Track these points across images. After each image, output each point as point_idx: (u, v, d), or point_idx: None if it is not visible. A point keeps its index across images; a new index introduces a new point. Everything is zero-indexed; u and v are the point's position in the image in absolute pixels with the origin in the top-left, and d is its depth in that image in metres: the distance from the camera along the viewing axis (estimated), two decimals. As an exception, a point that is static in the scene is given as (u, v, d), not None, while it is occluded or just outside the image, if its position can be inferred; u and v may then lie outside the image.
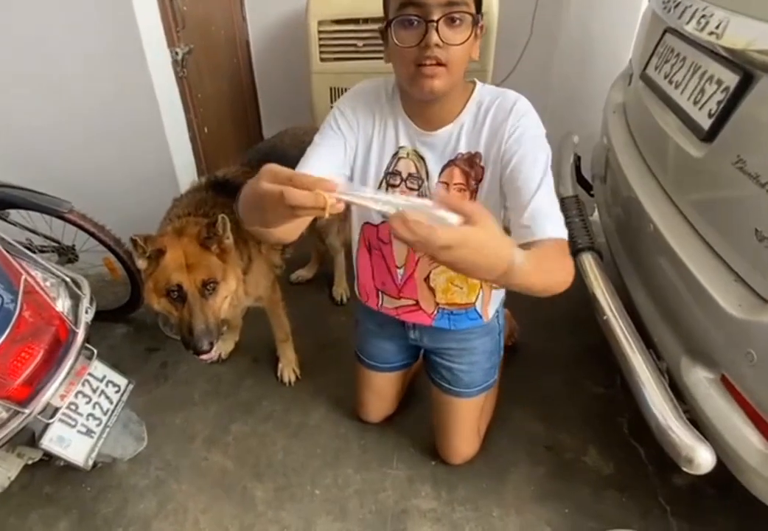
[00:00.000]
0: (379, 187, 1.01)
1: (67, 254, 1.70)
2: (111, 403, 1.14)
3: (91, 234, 1.58)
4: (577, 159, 1.79)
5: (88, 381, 1.10)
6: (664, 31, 1.40)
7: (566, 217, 1.48)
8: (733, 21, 1.03)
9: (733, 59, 1.02)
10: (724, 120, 1.01)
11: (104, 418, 1.13)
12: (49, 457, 1.11)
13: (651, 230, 1.17)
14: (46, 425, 1.02)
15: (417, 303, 1.15)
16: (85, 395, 1.08)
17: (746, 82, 0.97)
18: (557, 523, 1.22)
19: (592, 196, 1.79)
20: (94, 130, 1.76)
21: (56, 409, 1.03)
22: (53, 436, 1.03)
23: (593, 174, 1.78)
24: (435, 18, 0.80)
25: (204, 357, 1.19)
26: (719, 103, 1.04)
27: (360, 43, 2.10)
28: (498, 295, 1.20)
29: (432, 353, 1.28)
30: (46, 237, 1.67)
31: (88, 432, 1.09)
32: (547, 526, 1.22)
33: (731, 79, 1.01)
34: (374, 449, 1.42)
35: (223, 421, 1.52)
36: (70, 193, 1.58)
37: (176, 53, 1.83)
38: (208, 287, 1.20)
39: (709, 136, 1.05)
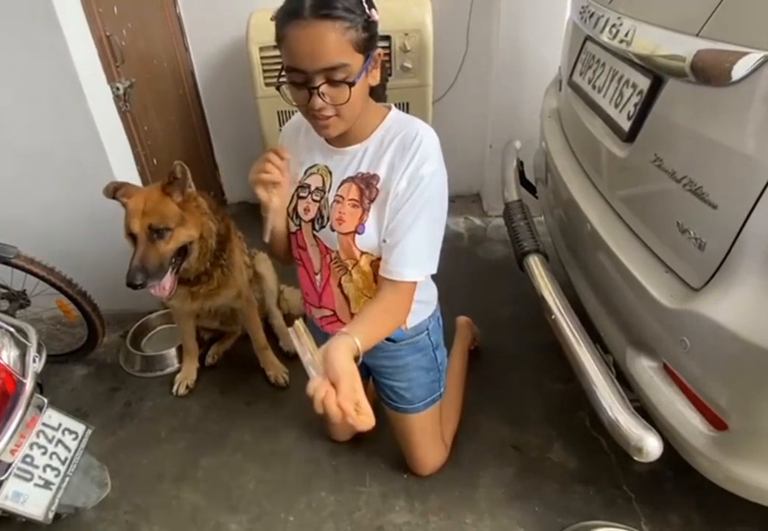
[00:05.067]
0: (291, 199, 1.09)
1: (18, 300, 1.65)
2: (69, 451, 1.11)
3: (41, 277, 1.55)
4: (520, 164, 1.85)
5: (42, 431, 1.06)
6: (585, 40, 1.48)
7: (511, 221, 1.54)
8: (639, 29, 1.10)
9: (644, 64, 1.08)
10: (641, 121, 1.07)
11: (63, 468, 1.10)
12: (8, 514, 1.07)
13: (588, 229, 1.22)
14: (0, 482, 0.98)
15: (335, 313, 1.16)
16: (40, 446, 1.05)
17: (657, 85, 1.03)
18: (529, 522, 1.24)
19: (537, 198, 1.85)
20: (35, 170, 1.73)
21: (9, 465, 1.00)
22: (8, 492, 0.99)
23: (536, 177, 1.85)
24: (316, 85, 0.85)
25: (156, 292, 1.35)
26: (636, 105, 1.10)
27: (303, 66, 2.14)
28: (419, 308, 1.16)
29: (373, 371, 1.28)
30: (-7, 284, 1.63)
31: (47, 484, 1.05)
32: (519, 527, 1.23)
33: (644, 82, 1.07)
34: (346, 469, 1.41)
35: (191, 456, 1.49)
36: (16, 236, 1.55)
37: (117, 88, 1.83)
38: (158, 232, 1.31)
39: (629, 137, 1.10)
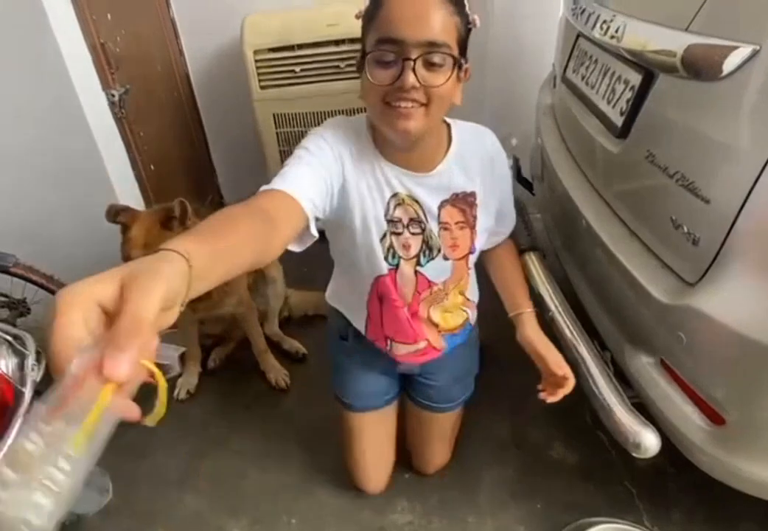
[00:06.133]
0: (383, 237, 0.94)
1: (18, 308, 1.66)
2: (69, 457, 1.11)
3: (40, 285, 1.55)
4: (516, 160, 1.85)
5: (42, 437, 1.07)
6: (577, 36, 1.47)
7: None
8: (630, 25, 1.10)
9: (635, 60, 1.08)
10: (634, 117, 1.07)
11: (63, 474, 1.10)
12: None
13: (584, 225, 1.22)
14: (0, 489, 0.98)
15: (428, 342, 1.10)
16: (40, 452, 1.05)
17: (648, 80, 1.03)
18: (531, 521, 1.24)
19: (534, 195, 1.84)
20: (32, 178, 1.74)
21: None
22: (9, 498, 0.99)
23: (532, 174, 1.85)
24: (413, 57, 0.75)
25: None
26: (628, 101, 1.09)
27: (297, 68, 2.14)
28: (474, 294, 1.16)
29: (418, 376, 1.23)
30: (-7, 292, 1.63)
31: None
32: (520, 526, 1.24)
33: (636, 78, 1.07)
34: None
35: (193, 460, 1.49)
36: (14, 244, 1.55)
37: (112, 95, 1.83)
38: None
39: (622, 133, 1.10)
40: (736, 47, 0.79)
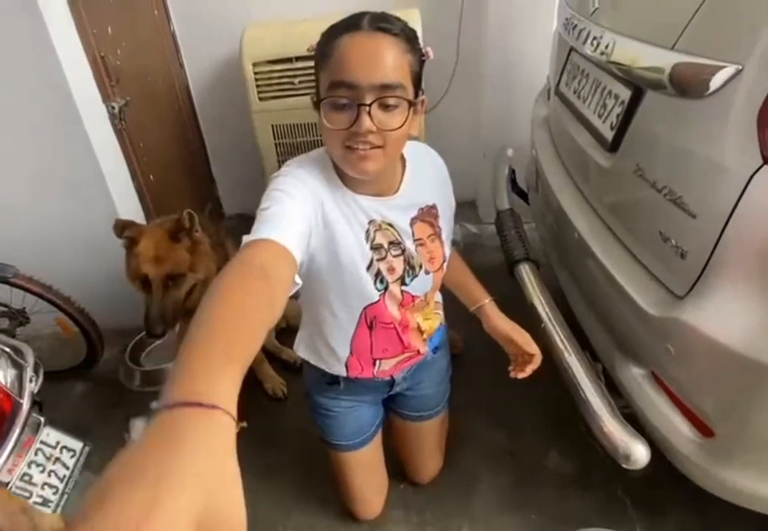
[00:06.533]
0: (370, 265, 0.94)
1: (17, 318, 1.67)
2: (67, 469, 1.13)
3: (40, 296, 1.57)
4: (512, 172, 1.87)
5: (40, 449, 1.08)
6: (570, 51, 1.50)
7: (502, 230, 1.55)
8: (619, 41, 1.12)
9: (624, 76, 1.10)
10: (624, 132, 1.09)
11: (61, 486, 1.11)
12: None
13: (576, 237, 1.23)
14: (-2, 500, 1.00)
15: (417, 349, 1.11)
16: (38, 464, 1.07)
17: (637, 96, 1.05)
18: (525, 530, 1.24)
19: (530, 205, 1.86)
20: (32, 190, 1.75)
21: (7, 484, 1.01)
22: (7, 510, 1.01)
23: (528, 185, 1.86)
24: (367, 102, 0.74)
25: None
26: (618, 116, 1.11)
27: (296, 80, 2.16)
28: (439, 296, 1.19)
29: (408, 389, 1.23)
30: (-7, 302, 1.65)
31: (45, 502, 1.07)
32: (516, 536, 1.24)
33: (625, 93, 1.09)
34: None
35: (191, 469, 1.50)
36: (15, 255, 1.57)
37: (112, 107, 1.85)
38: (173, 279, 1.35)
39: (613, 147, 1.12)
40: (721, 67, 0.81)
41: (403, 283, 0.99)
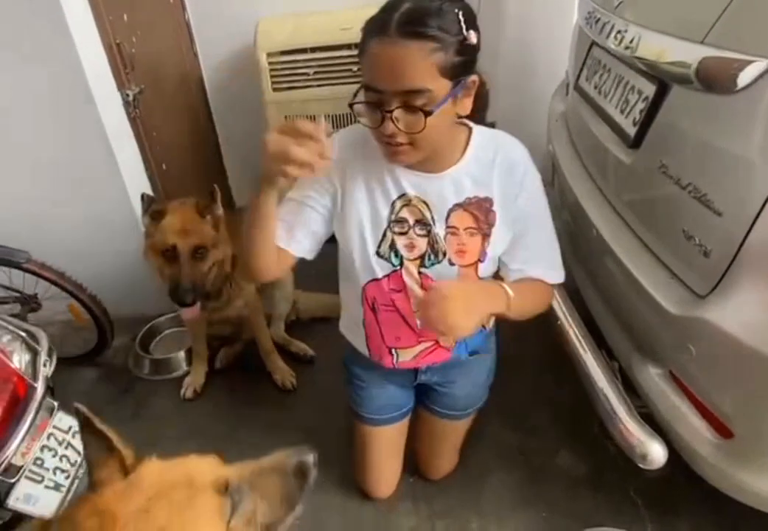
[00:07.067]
0: (383, 236, 0.96)
1: (29, 303, 1.68)
2: (79, 454, 1.13)
3: (52, 282, 1.58)
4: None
5: (53, 434, 1.08)
6: (591, 45, 1.47)
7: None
8: (644, 36, 1.10)
9: (649, 71, 1.08)
10: (647, 127, 1.07)
11: (72, 471, 1.11)
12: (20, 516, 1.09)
13: (594, 234, 1.22)
14: (12, 484, 1.00)
15: (435, 342, 1.09)
16: (50, 449, 1.07)
17: (662, 91, 1.03)
18: (535, 528, 1.24)
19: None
20: (46, 176, 1.75)
21: (20, 467, 1.01)
22: (19, 494, 1.01)
23: (544, 180, 1.84)
24: (391, 108, 0.78)
25: (187, 314, 1.42)
26: (641, 111, 1.10)
27: (311, 71, 2.15)
28: None
29: (436, 384, 1.22)
30: (6, 287, 1.65)
31: (57, 486, 1.07)
32: (525, 533, 1.24)
33: (650, 89, 1.07)
34: (353, 473, 1.41)
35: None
36: (28, 241, 1.57)
37: (127, 95, 1.85)
38: (199, 252, 1.39)
39: (635, 143, 1.10)
40: (751, 61, 0.79)
41: (422, 265, 0.98)
